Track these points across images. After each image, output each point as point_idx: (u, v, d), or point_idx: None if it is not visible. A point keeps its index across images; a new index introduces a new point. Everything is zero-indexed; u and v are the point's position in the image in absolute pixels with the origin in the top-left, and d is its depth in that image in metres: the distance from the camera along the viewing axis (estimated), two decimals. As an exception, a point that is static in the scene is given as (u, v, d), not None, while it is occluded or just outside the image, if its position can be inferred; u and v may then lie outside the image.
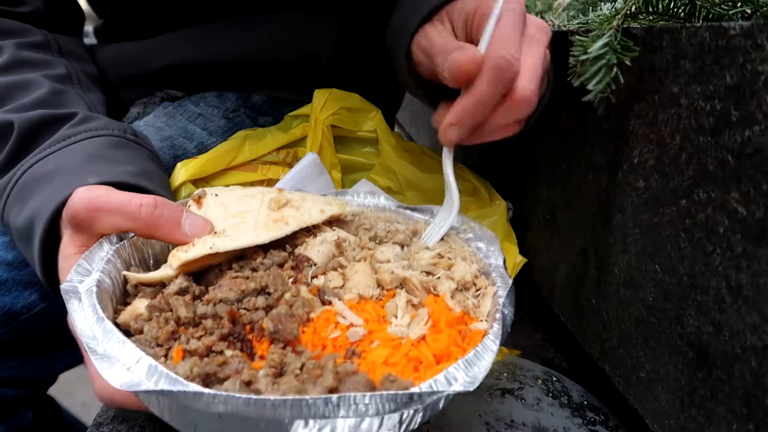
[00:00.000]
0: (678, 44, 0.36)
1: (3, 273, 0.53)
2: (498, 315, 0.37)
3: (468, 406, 0.47)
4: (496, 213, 0.62)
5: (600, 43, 0.38)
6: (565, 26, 0.57)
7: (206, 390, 0.27)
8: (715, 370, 0.33)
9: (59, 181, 0.43)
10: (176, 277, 0.37)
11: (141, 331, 0.34)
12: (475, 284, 0.42)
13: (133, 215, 0.38)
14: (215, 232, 0.39)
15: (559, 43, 0.46)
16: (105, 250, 0.38)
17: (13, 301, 0.53)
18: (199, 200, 0.42)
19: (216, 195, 0.43)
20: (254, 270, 0.39)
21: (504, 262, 0.43)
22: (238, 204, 0.43)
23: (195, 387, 0.27)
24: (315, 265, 0.40)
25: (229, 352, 0.32)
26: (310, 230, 0.44)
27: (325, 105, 0.63)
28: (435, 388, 0.29)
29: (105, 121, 0.51)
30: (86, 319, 0.32)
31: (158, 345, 0.33)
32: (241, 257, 0.40)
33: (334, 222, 0.47)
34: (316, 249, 0.41)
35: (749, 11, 0.37)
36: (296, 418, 0.27)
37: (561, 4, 0.66)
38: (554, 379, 0.51)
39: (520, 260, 0.61)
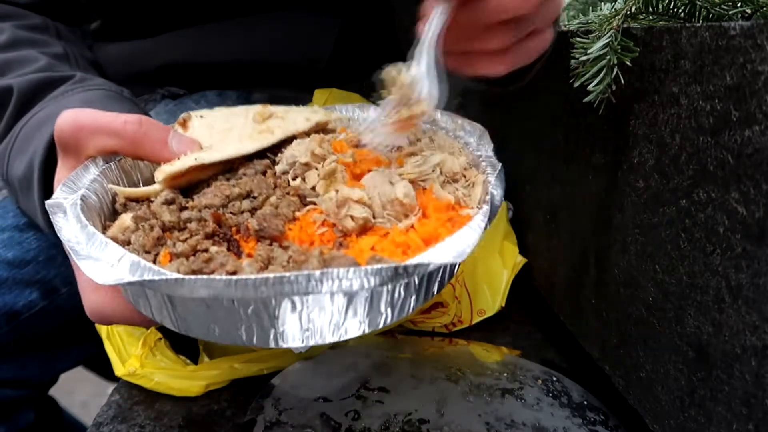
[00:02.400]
0: (678, 44, 0.36)
1: (3, 272, 0.53)
2: (487, 197, 0.35)
3: (468, 406, 0.47)
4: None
5: (600, 43, 0.38)
6: (565, 26, 0.56)
7: (186, 276, 0.26)
8: (715, 370, 0.33)
9: (52, 122, 0.42)
10: (162, 190, 0.36)
11: (129, 243, 0.34)
12: (464, 176, 0.40)
13: (118, 132, 0.36)
14: (201, 148, 0.39)
15: (560, 44, 0.46)
16: (91, 173, 0.37)
17: (14, 300, 0.53)
18: (184, 123, 0.42)
19: (201, 117, 0.43)
20: (238, 180, 0.38)
21: (493, 151, 0.41)
22: (224, 122, 0.42)
23: (175, 274, 0.27)
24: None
25: (214, 249, 0.32)
26: (295, 139, 0.43)
27: (326, 104, 0.63)
28: (421, 261, 0.27)
29: (103, 81, 0.51)
30: (71, 227, 0.32)
31: (146, 252, 0.33)
32: (229, 170, 0.40)
33: (321, 132, 0.46)
34: (290, 151, 0.40)
35: (749, 11, 0.37)
36: (279, 296, 0.26)
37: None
38: (554, 379, 0.51)
39: (520, 260, 0.61)
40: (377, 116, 0.41)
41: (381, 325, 0.30)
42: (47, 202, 0.33)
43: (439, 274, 0.32)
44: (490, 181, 0.37)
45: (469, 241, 0.30)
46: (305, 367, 0.51)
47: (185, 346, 0.52)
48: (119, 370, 0.49)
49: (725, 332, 0.32)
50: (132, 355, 0.49)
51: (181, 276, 0.26)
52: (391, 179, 0.38)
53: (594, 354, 0.49)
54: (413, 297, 0.30)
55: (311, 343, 0.29)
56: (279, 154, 0.41)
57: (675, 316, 0.37)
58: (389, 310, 0.30)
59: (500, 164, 0.39)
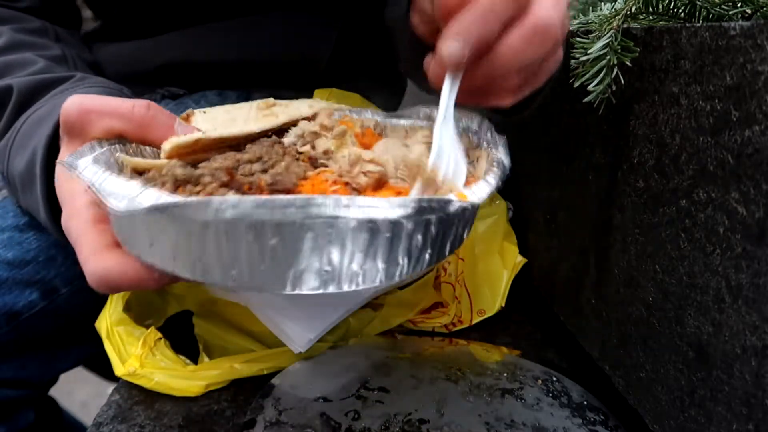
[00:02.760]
0: (678, 44, 0.36)
1: (3, 272, 0.53)
2: (495, 163, 0.35)
3: (468, 406, 0.47)
4: (496, 213, 0.62)
5: (600, 44, 0.38)
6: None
7: (215, 197, 0.26)
8: (715, 370, 0.33)
9: (55, 114, 0.42)
10: (169, 160, 0.36)
11: None
12: (468, 155, 0.40)
13: (126, 116, 0.37)
14: (205, 131, 0.39)
15: (559, 43, 0.46)
16: (96, 150, 0.37)
17: (14, 301, 0.53)
18: (187, 118, 0.42)
19: (204, 112, 0.43)
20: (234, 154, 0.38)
21: (494, 130, 0.41)
22: (227, 114, 0.43)
23: (198, 198, 0.26)
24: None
25: (231, 193, 0.32)
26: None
27: (326, 104, 0.63)
28: (444, 197, 0.28)
29: (103, 79, 0.52)
30: (87, 173, 0.31)
31: None
32: (234, 151, 0.39)
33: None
34: (301, 126, 0.41)
35: (749, 11, 0.37)
36: (306, 221, 0.26)
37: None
38: (554, 379, 0.51)
39: (520, 260, 0.61)
40: None
41: (396, 278, 0.30)
42: (61, 161, 0.33)
43: (454, 228, 0.32)
44: (495, 153, 0.37)
45: (485, 190, 0.31)
46: (305, 367, 0.51)
47: (185, 346, 0.53)
48: (119, 370, 0.49)
49: (725, 332, 0.32)
50: (132, 355, 0.49)
51: (207, 199, 0.25)
52: (404, 142, 0.38)
53: (594, 354, 0.49)
54: (428, 251, 0.30)
55: (329, 289, 0.29)
56: (285, 134, 0.41)
57: (675, 316, 0.37)
58: (406, 259, 0.30)
59: (503, 136, 0.38)
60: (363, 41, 0.73)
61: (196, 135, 0.36)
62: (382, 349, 0.54)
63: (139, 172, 0.36)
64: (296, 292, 0.29)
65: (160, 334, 0.51)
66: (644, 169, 0.40)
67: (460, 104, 0.39)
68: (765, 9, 0.37)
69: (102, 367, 0.74)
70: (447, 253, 0.33)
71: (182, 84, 0.70)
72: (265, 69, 0.69)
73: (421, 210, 0.27)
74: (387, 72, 0.77)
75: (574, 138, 0.51)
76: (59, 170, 0.38)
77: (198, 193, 0.32)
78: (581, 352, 0.51)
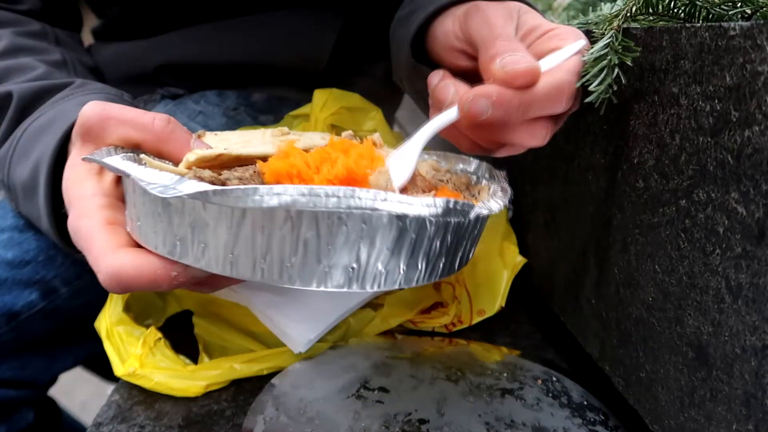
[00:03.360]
0: (678, 44, 0.36)
1: (3, 272, 0.53)
2: (501, 190, 0.38)
3: (468, 406, 0.47)
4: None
5: (601, 44, 0.38)
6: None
7: (260, 186, 0.26)
8: (714, 370, 0.33)
9: (61, 123, 0.42)
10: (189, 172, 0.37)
11: None
12: (469, 190, 0.42)
13: (146, 127, 0.37)
14: (225, 148, 0.39)
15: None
16: (113, 154, 0.37)
17: (14, 301, 0.53)
18: (199, 137, 0.42)
19: (216, 134, 0.44)
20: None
21: (492, 170, 0.43)
22: (240, 138, 0.43)
23: (246, 185, 0.27)
24: None
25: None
26: None
27: (326, 104, 0.63)
28: (468, 201, 0.31)
29: (102, 85, 0.52)
30: (120, 162, 0.32)
31: None
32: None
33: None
34: (305, 139, 0.42)
35: (749, 11, 0.37)
36: (348, 209, 0.27)
37: (561, 4, 0.66)
38: (554, 379, 0.51)
39: (520, 260, 0.61)
40: None
41: (413, 283, 0.31)
42: (85, 157, 0.34)
43: (465, 242, 0.34)
44: (495, 185, 0.39)
45: (497, 204, 0.34)
46: (305, 367, 0.51)
47: (185, 346, 0.53)
48: (119, 370, 0.49)
49: (725, 332, 0.32)
50: (132, 355, 0.49)
51: (254, 185, 0.26)
52: (411, 161, 0.39)
53: (594, 354, 0.49)
54: (443, 260, 0.32)
55: (353, 287, 0.30)
56: None
57: (675, 316, 0.37)
58: (424, 264, 0.31)
59: (503, 171, 0.41)
60: (363, 41, 0.73)
61: (219, 150, 0.36)
62: (382, 349, 0.54)
63: None
64: (321, 288, 0.30)
65: (160, 334, 0.51)
66: (644, 169, 0.40)
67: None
68: (765, 9, 0.37)
69: (102, 367, 0.74)
70: (456, 267, 0.34)
71: (182, 84, 0.70)
72: (265, 69, 0.69)
73: (447, 211, 0.29)
74: (386, 72, 0.77)
75: (574, 138, 0.51)
76: (68, 174, 0.38)
77: None
78: (581, 352, 0.51)
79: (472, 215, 0.30)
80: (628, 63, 0.38)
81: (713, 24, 0.33)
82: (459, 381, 0.50)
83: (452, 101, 0.38)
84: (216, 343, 0.54)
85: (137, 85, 0.71)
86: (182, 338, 0.54)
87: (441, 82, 0.40)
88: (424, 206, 0.28)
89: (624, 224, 0.43)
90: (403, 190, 0.37)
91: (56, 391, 0.71)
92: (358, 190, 0.27)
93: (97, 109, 0.37)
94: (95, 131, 0.37)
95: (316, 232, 0.28)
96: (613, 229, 0.44)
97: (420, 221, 0.29)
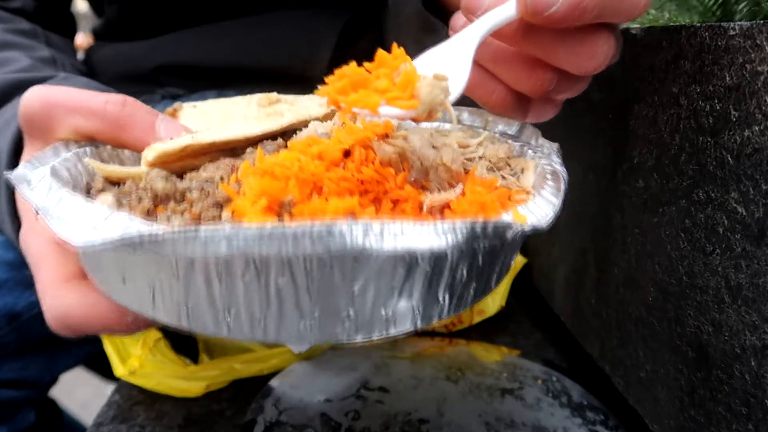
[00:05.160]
0: (678, 44, 0.36)
1: (3, 273, 0.53)
2: (548, 176, 0.30)
3: (468, 406, 0.47)
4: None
5: None
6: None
7: (201, 229, 0.19)
8: (714, 369, 0.33)
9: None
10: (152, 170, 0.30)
11: None
12: (509, 165, 0.34)
13: (98, 113, 0.31)
14: (196, 131, 0.33)
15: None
16: (62, 156, 0.30)
17: (14, 302, 0.53)
18: (174, 113, 0.37)
19: (194, 107, 0.37)
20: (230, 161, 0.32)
21: (542, 137, 0.34)
22: (222, 109, 0.37)
23: (184, 227, 0.20)
24: None
25: (226, 214, 0.25)
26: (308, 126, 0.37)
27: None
28: (501, 221, 0.22)
29: (89, 80, 0.48)
30: (39, 192, 0.25)
31: None
32: (230, 156, 0.33)
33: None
34: (312, 128, 0.34)
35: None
36: (325, 255, 0.20)
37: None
38: (554, 379, 0.51)
39: (520, 260, 0.61)
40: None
41: (435, 319, 0.25)
42: (8, 174, 0.26)
43: (503, 256, 0.27)
44: (545, 164, 0.32)
45: (548, 210, 0.26)
46: (305, 367, 0.51)
47: (185, 346, 0.53)
48: (119, 370, 0.49)
49: (725, 332, 0.32)
50: (132, 355, 0.49)
51: (192, 229, 0.19)
52: (433, 143, 0.31)
53: (594, 354, 0.49)
54: (473, 284, 0.25)
55: (352, 339, 0.24)
56: (294, 136, 0.34)
57: (675, 316, 0.37)
58: (447, 296, 0.24)
59: (556, 144, 0.33)
60: (364, 42, 0.72)
61: (185, 140, 0.30)
62: (382, 349, 0.54)
63: (113, 182, 0.30)
64: (307, 346, 0.24)
65: (160, 334, 0.51)
66: (644, 169, 0.40)
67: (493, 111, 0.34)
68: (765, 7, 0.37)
69: (102, 367, 0.74)
70: (493, 285, 0.27)
71: (182, 84, 0.70)
72: (265, 70, 0.69)
73: (473, 237, 0.21)
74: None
75: (574, 138, 0.51)
76: None
77: (182, 213, 0.26)
78: (581, 352, 0.51)
79: (510, 236, 0.22)
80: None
81: (713, 24, 0.33)
82: (459, 381, 0.50)
83: (490, 5, 0.30)
84: (216, 343, 0.54)
85: (137, 85, 0.71)
86: (182, 338, 0.54)
87: None
88: (439, 235, 0.20)
89: (624, 224, 0.43)
90: (422, 185, 0.29)
91: (56, 392, 0.71)
92: (338, 226, 0.19)
93: (37, 96, 0.31)
94: (40, 123, 0.31)
95: (290, 278, 0.21)
96: (613, 229, 0.44)
97: (436, 254, 0.22)
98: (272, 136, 0.34)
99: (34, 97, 0.31)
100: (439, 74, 0.27)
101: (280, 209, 0.24)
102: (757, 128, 0.29)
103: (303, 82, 0.69)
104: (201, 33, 0.68)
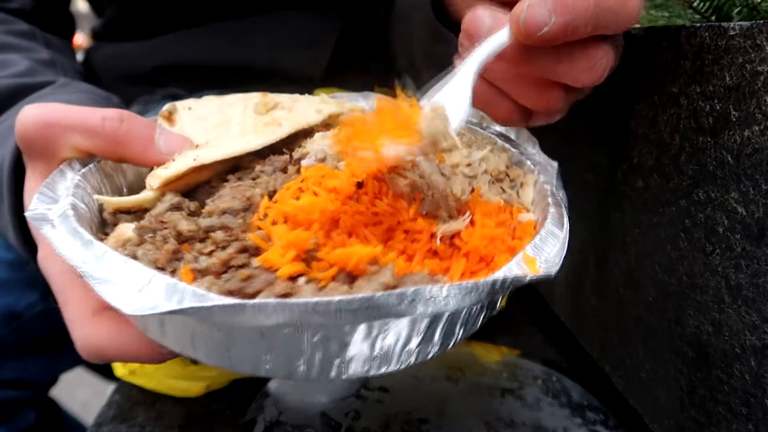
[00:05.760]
0: (678, 44, 0.36)
1: (3, 273, 0.53)
2: (549, 199, 0.31)
3: (468, 406, 0.47)
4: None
5: None
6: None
7: (250, 301, 0.21)
8: (714, 369, 0.33)
9: None
10: (161, 196, 0.31)
11: (135, 258, 0.27)
12: (508, 175, 0.36)
13: (95, 131, 0.31)
14: (196, 146, 0.33)
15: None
16: (69, 178, 0.31)
17: (15, 302, 0.53)
18: (170, 117, 0.36)
19: (189, 108, 0.37)
20: (255, 179, 0.33)
21: (539, 147, 0.36)
22: (218, 114, 0.37)
23: (232, 300, 0.22)
24: None
25: (255, 263, 0.26)
26: (307, 133, 0.38)
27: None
28: (515, 274, 0.25)
29: (90, 86, 0.47)
30: (67, 242, 0.25)
31: (159, 269, 0.26)
32: (234, 170, 0.34)
33: (332, 125, 0.41)
34: (317, 144, 0.35)
35: None
36: (362, 321, 0.23)
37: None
38: (554, 379, 0.51)
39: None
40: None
41: (450, 346, 0.27)
42: (28, 215, 0.27)
43: (507, 288, 0.28)
44: (544, 181, 0.33)
45: (558, 256, 0.27)
46: (305, 367, 0.51)
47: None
48: (119, 370, 0.49)
49: (725, 332, 0.32)
50: (132, 355, 0.49)
51: (241, 302, 0.21)
52: (442, 171, 0.33)
53: (594, 354, 0.49)
54: (482, 315, 0.28)
55: (375, 372, 0.26)
56: (297, 149, 0.36)
57: (675, 316, 0.37)
58: (462, 330, 0.27)
59: (556, 163, 0.35)
60: (363, 41, 0.72)
61: (186, 163, 0.31)
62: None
63: (123, 211, 0.31)
64: (340, 378, 0.26)
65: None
66: (644, 169, 0.40)
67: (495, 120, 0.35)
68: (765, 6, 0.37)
69: (102, 367, 0.74)
70: (497, 308, 0.30)
71: (181, 84, 0.70)
72: (265, 70, 0.69)
73: (493, 293, 0.23)
74: (386, 72, 0.77)
75: (573, 138, 0.51)
76: (28, 200, 0.32)
77: (210, 253, 0.27)
78: (581, 352, 0.51)
79: (527, 280, 0.25)
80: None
81: (713, 24, 0.33)
82: (459, 381, 0.50)
83: (490, 29, 0.30)
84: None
85: (137, 86, 0.71)
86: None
87: (473, 13, 0.31)
88: (464, 296, 0.22)
89: (624, 224, 0.43)
90: (433, 216, 0.30)
91: (56, 391, 0.71)
92: (376, 298, 0.21)
93: (33, 117, 0.30)
94: (39, 145, 0.31)
95: (328, 334, 0.24)
96: (612, 229, 0.44)
97: (459, 311, 0.25)
98: (272, 148, 0.35)
99: (29, 118, 0.30)
100: (437, 106, 0.28)
101: (306, 255, 0.26)
102: (757, 128, 0.29)
103: (303, 82, 0.69)
104: (201, 33, 0.68)
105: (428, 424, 0.44)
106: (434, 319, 0.25)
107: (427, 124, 0.27)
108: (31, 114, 0.30)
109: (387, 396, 0.48)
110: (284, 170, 0.34)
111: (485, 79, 0.32)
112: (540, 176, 0.34)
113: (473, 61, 0.30)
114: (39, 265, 0.31)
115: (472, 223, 0.30)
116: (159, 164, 0.32)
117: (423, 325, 0.25)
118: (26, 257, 0.38)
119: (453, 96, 0.30)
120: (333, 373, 0.26)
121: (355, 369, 0.26)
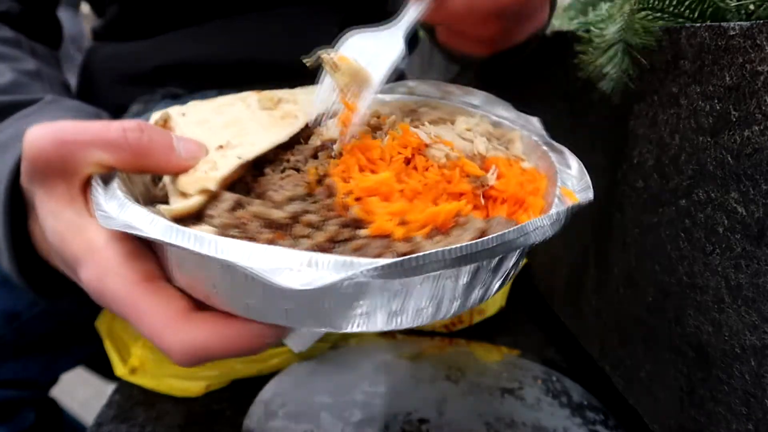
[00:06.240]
0: (678, 44, 0.36)
1: (3, 273, 0.53)
2: (544, 147, 0.35)
3: (468, 406, 0.47)
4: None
5: (612, 28, 0.37)
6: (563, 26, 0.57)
7: (428, 252, 0.23)
8: (714, 369, 0.33)
9: (19, 145, 0.32)
10: (210, 198, 0.30)
11: None
12: (494, 135, 0.39)
13: (117, 143, 0.29)
14: (221, 146, 0.33)
15: (559, 45, 0.46)
16: (118, 195, 0.29)
17: (14, 302, 0.53)
18: (165, 124, 0.35)
19: (183, 114, 0.36)
20: (294, 168, 0.33)
21: (513, 107, 0.40)
22: (219, 115, 0.37)
23: (409, 255, 0.24)
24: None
25: (363, 233, 0.27)
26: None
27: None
28: (571, 203, 0.29)
29: (77, 103, 0.45)
30: (193, 243, 0.24)
31: None
32: (259, 165, 0.34)
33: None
34: (333, 130, 0.36)
35: (752, 7, 0.37)
36: (498, 256, 0.26)
37: (561, 5, 0.66)
38: (554, 378, 0.51)
39: (520, 260, 0.61)
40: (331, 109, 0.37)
41: (469, 305, 0.29)
42: (115, 226, 0.26)
43: (572, 215, 0.31)
44: (531, 135, 0.36)
45: (582, 178, 0.32)
46: (305, 367, 0.51)
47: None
48: (119, 370, 0.49)
49: (725, 332, 0.32)
50: (132, 354, 0.49)
51: (422, 254, 0.23)
52: (462, 135, 0.36)
53: (594, 354, 0.49)
54: (498, 279, 0.30)
55: (469, 307, 0.28)
56: (313, 136, 0.37)
57: (675, 316, 0.37)
58: (480, 291, 0.29)
59: (535, 118, 0.38)
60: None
61: (234, 162, 0.31)
62: (382, 349, 0.54)
63: (178, 219, 0.30)
64: (448, 316, 0.28)
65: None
66: (644, 169, 0.40)
67: (443, 46, 0.41)
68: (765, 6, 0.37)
69: (102, 367, 0.74)
70: (509, 277, 0.31)
71: (182, 84, 0.70)
72: (265, 68, 0.69)
73: (566, 220, 0.27)
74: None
75: (574, 138, 0.51)
76: (53, 225, 0.30)
77: (309, 236, 0.28)
78: (581, 352, 0.51)
79: (579, 206, 0.29)
80: (651, 45, 0.37)
81: (713, 24, 0.33)
82: (459, 381, 0.50)
83: None
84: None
85: (137, 85, 0.71)
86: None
87: None
88: (552, 224, 0.27)
89: (624, 224, 0.43)
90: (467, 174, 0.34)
91: (56, 391, 0.71)
92: (507, 234, 0.25)
93: (45, 134, 0.28)
94: (56, 165, 0.29)
95: (473, 274, 0.27)
96: (613, 229, 0.44)
97: (541, 240, 0.28)
98: (288, 144, 0.36)
99: (42, 138, 0.29)
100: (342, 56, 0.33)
101: (401, 220, 0.29)
102: (757, 128, 0.29)
103: (302, 78, 0.69)
104: (201, 32, 0.68)
105: (428, 424, 0.44)
106: (457, 275, 0.27)
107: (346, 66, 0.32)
108: (41, 133, 0.29)
109: (387, 396, 0.48)
110: (315, 156, 0.34)
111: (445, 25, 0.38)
112: (523, 131, 0.37)
113: (404, 23, 0.36)
114: (88, 289, 0.29)
115: (498, 176, 0.33)
116: (182, 171, 0.31)
117: (493, 263, 0.28)
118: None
119: (386, 46, 0.34)
120: (453, 312, 0.28)
121: (465, 305, 0.28)
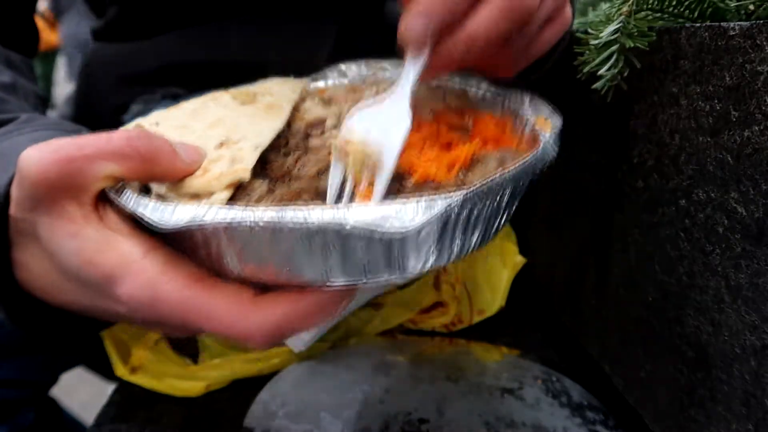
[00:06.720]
0: (677, 44, 0.36)
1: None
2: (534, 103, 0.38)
3: (468, 406, 0.47)
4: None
5: (609, 29, 0.38)
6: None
7: (493, 177, 0.25)
8: (714, 370, 0.33)
9: (11, 169, 0.29)
10: (244, 186, 0.30)
11: None
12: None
13: (125, 152, 0.27)
14: (221, 144, 0.33)
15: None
16: (138, 200, 0.27)
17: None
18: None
19: (157, 124, 0.36)
20: (302, 149, 0.35)
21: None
22: (196, 120, 0.37)
23: (484, 181, 0.25)
24: (327, 119, 0.37)
25: (412, 180, 0.30)
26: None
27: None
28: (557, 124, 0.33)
29: (56, 120, 0.43)
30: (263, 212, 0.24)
31: None
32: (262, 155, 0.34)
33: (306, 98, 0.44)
34: (316, 109, 0.38)
35: (752, 7, 0.37)
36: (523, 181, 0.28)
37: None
38: (554, 378, 0.51)
39: (520, 260, 0.61)
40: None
41: (473, 248, 0.29)
42: (167, 226, 0.25)
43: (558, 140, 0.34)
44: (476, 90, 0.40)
45: (547, 109, 0.36)
46: (305, 367, 0.51)
47: (185, 346, 0.53)
48: (119, 370, 0.49)
49: (725, 332, 0.32)
50: (132, 354, 0.49)
51: (466, 190, 0.24)
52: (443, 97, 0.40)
53: (594, 354, 0.49)
54: (500, 216, 0.30)
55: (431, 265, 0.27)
56: (298, 121, 0.38)
57: (675, 316, 0.37)
58: (480, 233, 0.29)
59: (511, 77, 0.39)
60: (363, 40, 0.72)
61: (255, 155, 0.31)
62: (382, 349, 0.54)
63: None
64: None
65: (160, 334, 0.51)
66: (644, 169, 0.40)
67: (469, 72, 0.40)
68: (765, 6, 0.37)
69: (102, 367, 0.74)
70: (507, 219, 0.32)
71: (182, 84, 0.70)
72: (265, 69, 0.69)
73: (554, 146, 0.30)
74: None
75: (573, 138, 0.51)
76: (75, 246, 0.28)
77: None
78: (581, 352, 0.51)
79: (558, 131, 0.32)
80: (644, 47, 0.37)
81: (713, 24, 0.33)
82: (459, 381, 0.50)
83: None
84: (216, 343, 0.54)
85: (137, 86, 0.71)
86: (182, 338, 0.54)
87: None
88: (554, 143, 0.30)
89: (624, 224, 0.43)
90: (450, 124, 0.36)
91: (56, 391, 0.71)
92: (530, 158, 0.27)
93: (47, 156, 0.26)
94: (63, 185, 0.27)
95: (511, 195, 0.29)
96: (613, 229, 0.44)
97: (544, 165, 0.29)
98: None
99: (43, 161, 0.27)
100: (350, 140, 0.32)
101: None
102: (757, 128, 0.29)
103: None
104: (201, 33, 0.68)
105: (428, 424, 0.44)
106: (515, 190, 0.29)
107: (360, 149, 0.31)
108: (39, 155, 0.27)
109: (387, 396, 0.48)
110: (307, 136, 0.36)
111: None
112: (469, 88, 0.41)
113: (406, 80, 0.33)
114: (135, 306, 0.27)
115: (474, 123, 0.37)
116: (187, 175, 0.30)
117: (506, 197, 0.29)
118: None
119: (394, 117, 0.33)
120: (493, 234, 0.30)
121: (500, 227, 0.30)
